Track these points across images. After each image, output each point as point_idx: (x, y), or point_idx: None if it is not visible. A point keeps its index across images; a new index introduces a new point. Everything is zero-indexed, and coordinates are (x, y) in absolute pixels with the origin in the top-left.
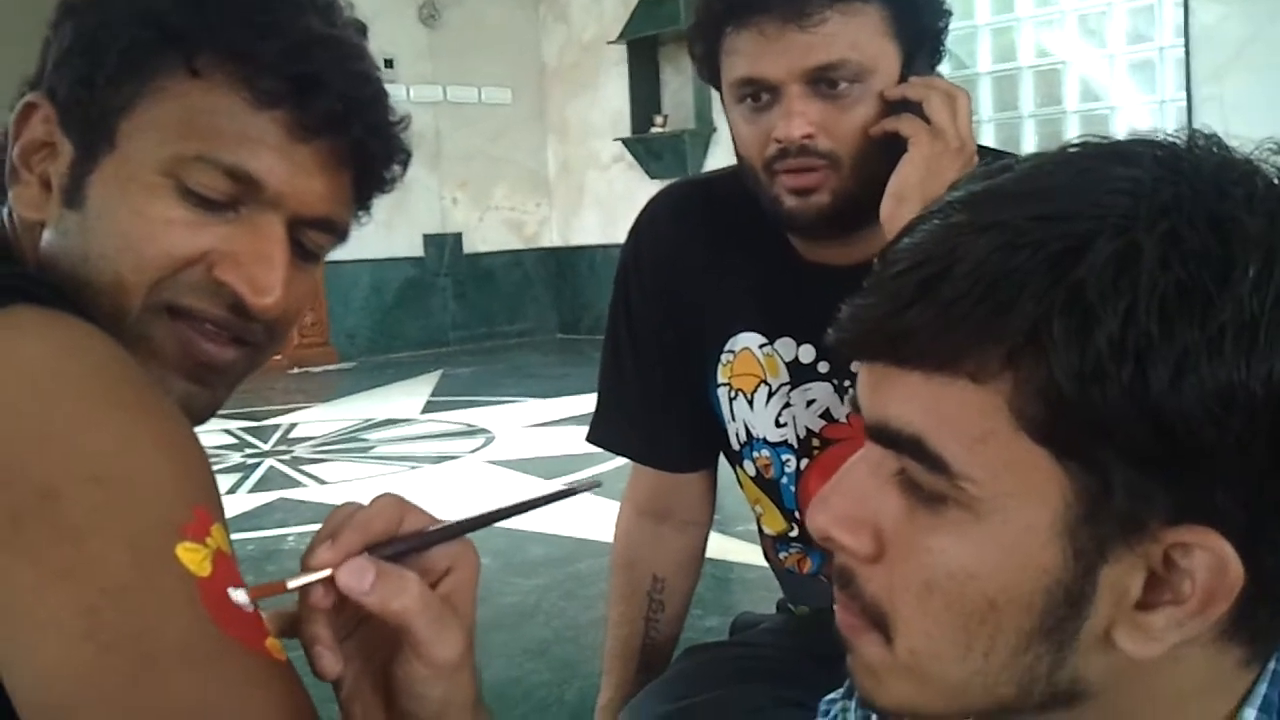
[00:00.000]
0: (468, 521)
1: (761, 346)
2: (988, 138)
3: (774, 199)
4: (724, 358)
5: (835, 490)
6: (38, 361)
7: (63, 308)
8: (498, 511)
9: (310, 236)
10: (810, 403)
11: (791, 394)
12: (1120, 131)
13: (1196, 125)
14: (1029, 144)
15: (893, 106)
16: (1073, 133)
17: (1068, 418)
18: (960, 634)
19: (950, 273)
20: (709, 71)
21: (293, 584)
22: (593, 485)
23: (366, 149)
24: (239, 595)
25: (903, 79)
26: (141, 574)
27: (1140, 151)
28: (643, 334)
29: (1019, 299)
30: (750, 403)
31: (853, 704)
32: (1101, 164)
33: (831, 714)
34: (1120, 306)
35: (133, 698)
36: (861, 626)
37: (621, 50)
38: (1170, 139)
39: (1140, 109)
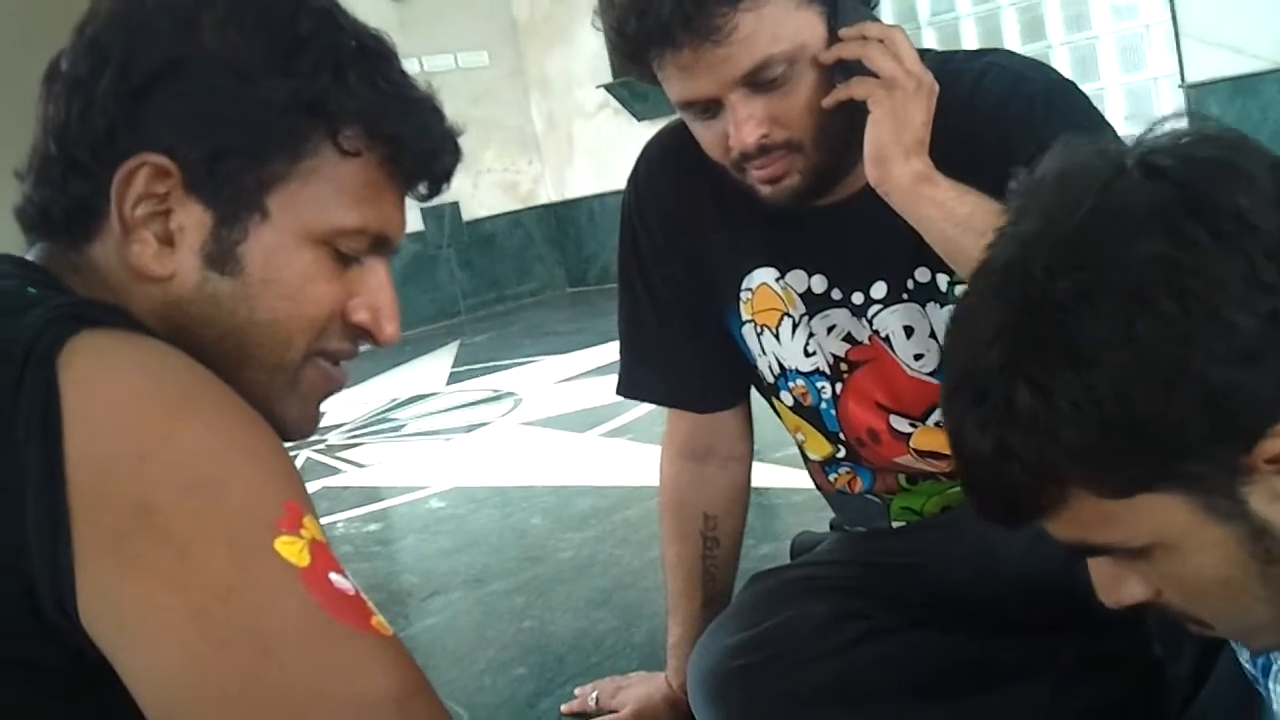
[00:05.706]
0: None
1: (777, 280)
2: (969, 29)
3: (749, 188)
4: (743, 295)
5: (1097, 585)
6: (116, 381)
7: (126, 328)
8: None
9: None
10: (831, 328)
11: (812, 323)
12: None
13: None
14: (1010, 28)
15: (836, 69)
16: (1052, 18)
17: (1119, 482)
18: (1234, 605)
19: (978, 484)
20: (654, 83)
21: None
22: None
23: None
24: (340, 580)
25: (833, 34)
26: (245, 572)
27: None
28: (655, 279)
29: (1015, 470)
30: (777, 336)
31: None
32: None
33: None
34: (1048, 433)
35: (254, 689)
36: (1206, 630)
37: None
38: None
39: None
